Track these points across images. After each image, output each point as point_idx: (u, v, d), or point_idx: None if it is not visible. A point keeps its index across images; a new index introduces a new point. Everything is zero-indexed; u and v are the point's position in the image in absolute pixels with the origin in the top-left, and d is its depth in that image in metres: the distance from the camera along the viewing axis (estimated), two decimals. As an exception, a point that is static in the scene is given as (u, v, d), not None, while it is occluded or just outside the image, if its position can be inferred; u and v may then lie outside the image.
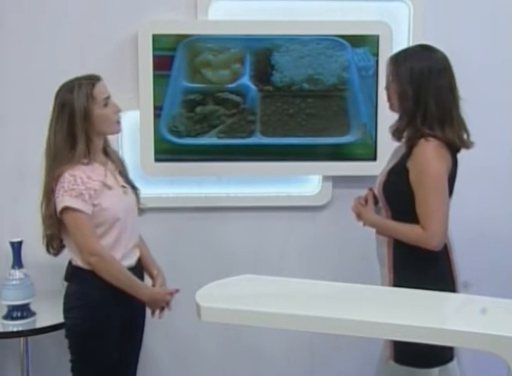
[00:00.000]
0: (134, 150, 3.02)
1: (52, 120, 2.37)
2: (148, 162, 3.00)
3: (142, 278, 2.52)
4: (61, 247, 2.43)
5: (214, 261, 3.11)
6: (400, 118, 2.29)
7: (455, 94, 2.25)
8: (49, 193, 2.32)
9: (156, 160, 3.00)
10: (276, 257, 3.16)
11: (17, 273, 2.72)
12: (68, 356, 2.40)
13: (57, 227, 2.35)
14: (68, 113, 2.32)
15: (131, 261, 2.45)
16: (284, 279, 2.02)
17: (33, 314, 2.74)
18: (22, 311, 2.72)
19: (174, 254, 3.12)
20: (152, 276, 2.56)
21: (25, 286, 2.71)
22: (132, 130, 3.01)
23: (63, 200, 2.27)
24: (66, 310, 2.41)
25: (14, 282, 2.71)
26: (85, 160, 2.34)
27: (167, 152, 3.00)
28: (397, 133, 2.29)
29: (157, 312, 2.50)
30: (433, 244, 2.20)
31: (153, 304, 2.47)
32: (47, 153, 2.36)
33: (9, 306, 2.72)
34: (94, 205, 2.31)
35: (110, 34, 2.97)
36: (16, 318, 2.71)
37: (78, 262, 2.36)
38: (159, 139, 2.99)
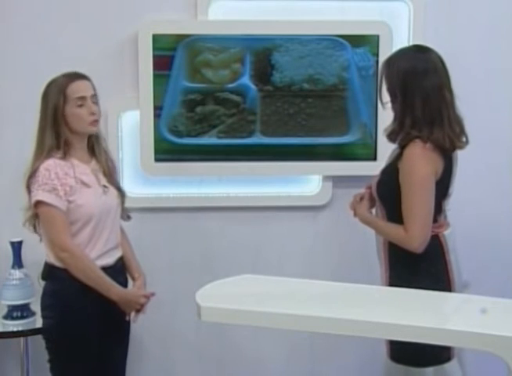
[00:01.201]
0: (134, 150, 3.02)
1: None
2: (148, 162, 3.00)
3: (124, 279, 2.51)
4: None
5: (214, 261, 3.11)
6: (393, 121, 2.29)
7: (444, 94, 2.22)
8: (28, 187, 2.35)
9: (157, 160, 3.00)
10: (276, 257, 3.16)
11: (17, 273, 2.72)
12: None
13: (34, 222, 2.38)
14: (43, 108, 2.37)
15: (109, 260, 2.42)
16: (284, 279, 2.02)
17: (33, 314, 2.75)
18: (22, 311, 2.72)
19: (174, 254, 3.12)
20: (133, 279, 2.54)
21: (25, 286, 2.72)
22: (132, 130, 3.01)
23: (37, 194, 2.29)
24: (42, 309, 2.41)
25: (14, 282, 2.71)
26: (58, 155, 2.34)
27: (167, 152, 3.00)
28: (392, 136, 2.30)
29: (133, 314, 2.45)
30: (413, 245, 2.20)
31: (124, 305, 2.41)
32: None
33: (9, 306, 2.73)
34: (69, 201, 2.31)
35: (110, 34, 2.97)
36: (16, 318, 2.71)
37: (52, 259, 2.35)
38: (159, 139, 2.99)
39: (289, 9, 3.01)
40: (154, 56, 2.93)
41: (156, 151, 2.99)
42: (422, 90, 2.19)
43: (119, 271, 2.48)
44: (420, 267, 2.24)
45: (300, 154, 3.05)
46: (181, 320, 3.12)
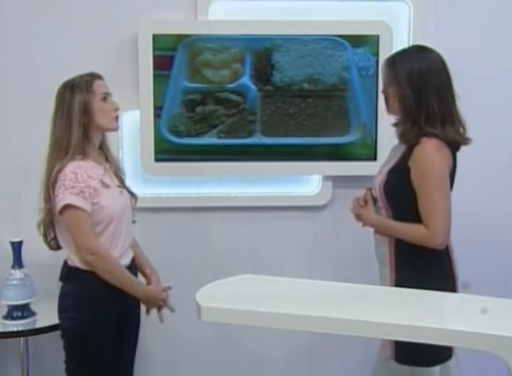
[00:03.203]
0: (134, 150, 3.02)
1: (53, 114, 2.39)
2: (148, 162, 3.00)
3: (135, 275, 2.52)
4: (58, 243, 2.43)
5: (214, 261, 3.11)
6: (404, 121, 2.26)
7: (452, 92, 2.26)
8: (48, 188, 2.32)
9: (157, 160, 3.00)
10: (276, 257, 3.16)
11: (17, 273, 2.72)
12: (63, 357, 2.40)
13: (50, 216, 2.35)
14: (67, 106, 2.35)
15: (127, 260, 2.45)
16: (284, 279, 2.02)
17: (33, 314, 2.75)
18: (22, 311, 2.72)
19: (175, 254, 3.12)
20: (145, 276, 2.56)
21: (25, 286, 2.72)
22: (132, 130, 3.01)
23: (64, 197, 2.27)
24: (62, 310, 2.40)
25: (14, 282, 2.71)
26: (79, 156, 2.34)
27: (167, 152, 3.00)
28: (405, 136, 2.26)
29: (155, 311, 2.50)
30: (436, 242, 2.20)
31: (148, 302, 2.47)
32: (49, 147, 2.38)
33: (9, 306, 2.73)
34: (93, 204, 2.31)
35: (110, 34, 2.97)
36: (16, 318, 2.71)
37: (76, 262, 2.35)
38: (159, 139, 2.99)
39: (289, 9, 3.01)
40: (154, 56, 2.93)
41: (156, 151, 2.99)
42: (436, 88, 2.20)
43: (133, 271, 2.50)
44: (429, 267, 2.23)
45: (300, 154, 3.05)
46: (181, 320, 3.12)
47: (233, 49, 2.98)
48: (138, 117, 2.99)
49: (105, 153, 2.48)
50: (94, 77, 2.40)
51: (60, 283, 2.43)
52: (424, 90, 2.20)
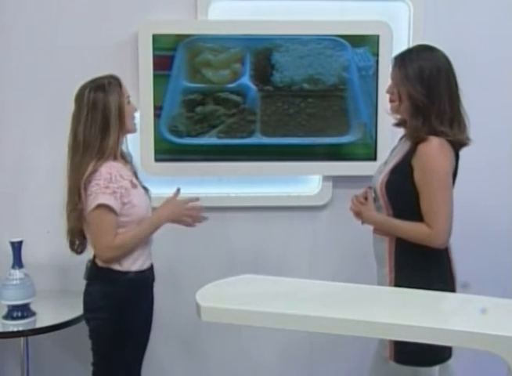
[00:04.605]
0: (134, 150, 3.01)
1: (78, 117, 2.35)
2: (148, 162, 3.00)
3: (153, 278, 2.53)
4: (85, 244, 2.43)
5: (214, 261, 3.11)
6: (414, 118, 2.25)
7: (459, 92, 2.27)
8: (78, 188, 2.31)
9: (157, 160, 3.00)
10: (276, 257, 3.16)
11: (17, 273, 2.72)
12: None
13: (81, 222, 2.35)
14: (102, 110, 2.33)
15: (151, 261, 2.49)
16: (284, 279, 2.02)
17: (33, 314, 2.74)
18: (22, 311, 2.72)
19: (175, 254, 3.12)
20: None
21: (25, 286, 2.71)
22: (132, 130, 3.01)
23: (97, 197, 2.28)
24: (91, 310, 2.40)
25: (14, 282, 2.71)
26: (111, 157, 2.36)
27: (167, 152, 3.01)
28: (416, 133, 2.24)
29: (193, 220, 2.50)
30: (439, 242, 2.20)
31: (179, 217, 2.48)
32: (74, 149, 2.35)
33: (9, 306, 2.72)
34: (124, 203, 2.33)
35: (110, 34, 2.97)
36: (16, 318, 2.71)
37: (100, 261, 2.37)
38: (159, 139, 2.99)
39: (289, 9, 3.01)
40: (154, 56, 2.93)
41: (156, 151, 3.00)
42: (447, 87, 2.22)
43: (152, 273, 2.52)
44: (428, 267, 2.23)
45: (300, 154, 3.05)
46: (181, 320, 3.12)
47: (233, 49, 2.98)
48: (138, 117, 2.98)
49: (124, 154, 2.49)
50: (118, 80, 2.41)
51: (84, 281, 2.43)
52: (436, 88, 2.21)
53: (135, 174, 2.52)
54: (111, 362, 2.40)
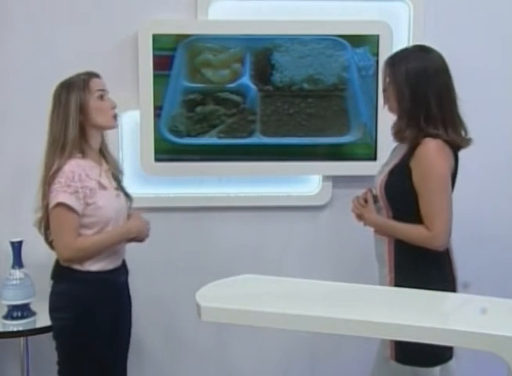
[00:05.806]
0: (134, 150, 3.02)
1: (49, 115, 2.38)
2: (148, 162, 3.00)
3: (126, 278, 2.52)
4: None
5: (214, 261, 3.11)
6: (399, 118, 2.28)
7: (453, 94, 2.25)
8: (45, 185, 2.32)
9: (156, 160, 3.00)
10: (276, 257, 3.16)
11: (17, 273, 2.72)
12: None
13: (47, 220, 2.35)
14: (64, 104, 2.34)
15: (117, 262, 2.45)
16: (284, 279, 2.02)
17: (33, 314, 2.75)
18: (22, 311, 2.72)
19: (174, 254, 3.12)
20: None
21: (25, 286, 2.72)
22: (132, 130, 3.01)
23: (57, 195, 2.27)
24: (54, 310, 2.39)
25: (14, 282, 2.71)
26: (79, 154, 2.34)
27: (167, 152, 3.00)
28: (399, 134, 2.28)
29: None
30: (438, 244, 2.19)
31: (140, 234, 2.46)
32: (47, 147, 2.37)
33: (9, 306, 2.73)
34: (88, 204, 2.30)
35: (110, 34, 2.97)
36: (16, 318, 2.71)
37: (63, 261, 2.35)
38: (159, 139, 2.99)
39: (289, 9, 3.01)
40: (154, 56, 2.93)
41: (156, 151, 2.99)
42: (435, 89, 2.20)
43: (124, 271, 2.50)
44: (429, 267, 2.23)
45: (300, 154, 3.05)
46: (181, 320, 3.12)
47: (233, 49, 2.98)
48: (138, 117, 2.99)
49: (104, 154, 2.47)
50: (90, 75, 2.40)
51: (51, 282, 2.42)
52: (422, 90, 2.20)
53: (116, 177, 2.49)
54: (76, 362, 2.37)
